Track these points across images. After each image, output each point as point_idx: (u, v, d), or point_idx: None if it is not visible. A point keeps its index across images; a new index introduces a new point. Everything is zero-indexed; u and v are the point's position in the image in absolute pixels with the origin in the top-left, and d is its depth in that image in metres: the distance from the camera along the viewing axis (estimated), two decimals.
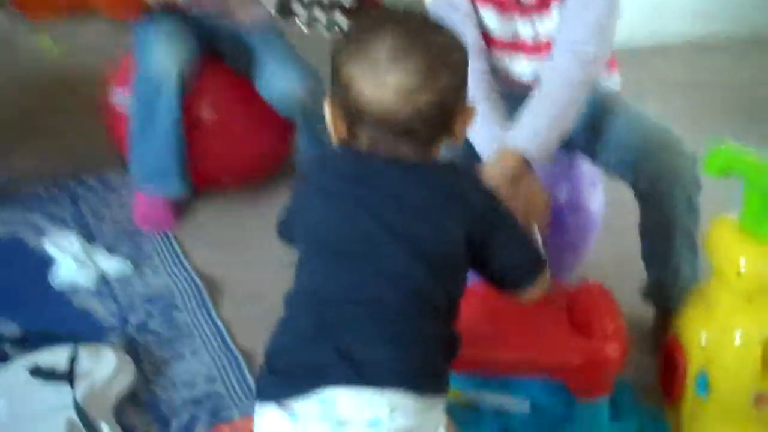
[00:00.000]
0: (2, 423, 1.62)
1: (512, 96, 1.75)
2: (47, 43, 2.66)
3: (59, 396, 1.65)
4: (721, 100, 3.07)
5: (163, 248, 2.26)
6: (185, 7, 2.23)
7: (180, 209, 2.40)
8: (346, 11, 1.88)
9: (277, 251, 2.18)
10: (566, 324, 1.53)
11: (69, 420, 1.60)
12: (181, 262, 2.20)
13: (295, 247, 1.30)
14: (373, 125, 1.16)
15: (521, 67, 1.79)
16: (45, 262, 2.13)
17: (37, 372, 1.69)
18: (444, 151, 1.26)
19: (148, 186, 2.33)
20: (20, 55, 3.04)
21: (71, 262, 2.12)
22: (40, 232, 2.26)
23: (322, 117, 2.53)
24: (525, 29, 1.75)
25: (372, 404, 1.13)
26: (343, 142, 1.22)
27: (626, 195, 1.81)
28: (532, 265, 1.31)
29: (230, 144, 2.37)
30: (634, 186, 1.76)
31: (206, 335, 1.96)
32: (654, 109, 1.92)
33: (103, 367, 1.75)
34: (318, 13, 1.88)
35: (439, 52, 1.16)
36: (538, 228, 1.60)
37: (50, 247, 2.16)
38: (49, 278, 2.10)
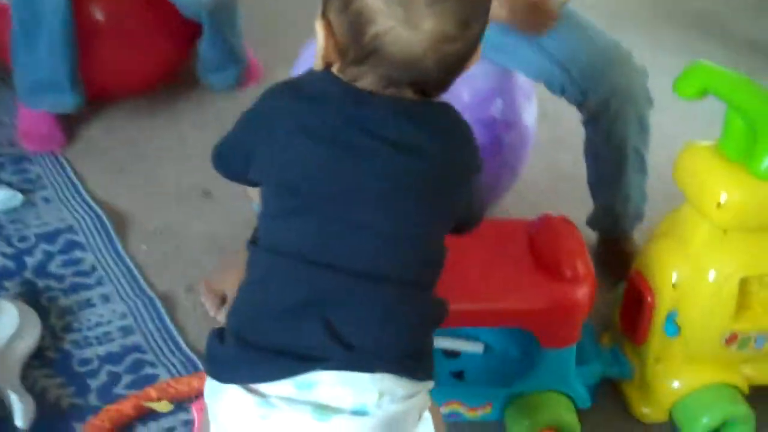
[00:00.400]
0: None
1: None
2: None
3: None
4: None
5: (54, 173, 2.01)
6: None
7: (69, 125, 2.13)
8: None
9: (181, 178, 2.01)
10: (530, 265, 1.41)
11: None
12: (77, 190, 1.96)
13: (248, 184, 1.10)
14: (388, 67, 0.98)
15: None
16: None
17: None
18: None
19: (34, 99, 2.05)
20: None
21: None
22: None
23: (232, 20, 2.31)
24: None
25: (359, 390, 0.98)
26: (330, 70, 1.02)
27: (561, 106, 1.72)
28: (477, 220, 1.18)
29: (125, 47, 2.09)
30: (583, 105, 1.65)
31: (116, 277, 1.75)
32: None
33: (4, 324, 1.53)
34: None
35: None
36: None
37: None
38: None
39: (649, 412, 1.51)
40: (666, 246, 1.44)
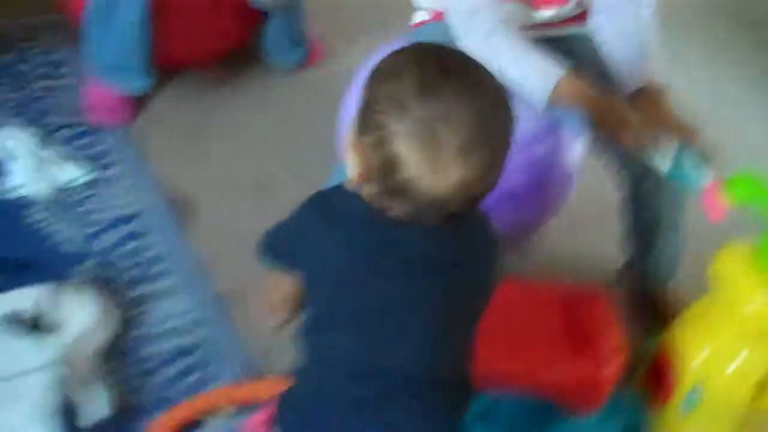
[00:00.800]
0: None
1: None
2: None
3: (38, 351, 1.51)
4: None
5: (122, 149, 2.09)
6: None
7: (139, 101, 2.21)
8: None
9: (241, 166, 2.09)
10: (561, 335, 1.53)
11: (56, 379, 1.48)
12: (144, 172, 2.04)
13: (289, 269, 1.22)
14: (416, 205, 1.06)
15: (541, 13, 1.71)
16: None
17: (10, 321, 1.55)
18: None
19: (106, 80, 2.12)
20: None
21: (22, 165, 1.93)
22: None
23: (297, 4, 2.33)
24: None
25: None
26: (361, 193, 1.11)
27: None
28: None
29: (194, 22, 2.14)
30: (622, 171, 1.72)
31: (183, 270, 1.84)
32: None
33: (86, 314, 1.61)
34: None
35: (501, 141, 1.07)
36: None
37: None
38: None
39: None
40: (694, 329, 1.57)
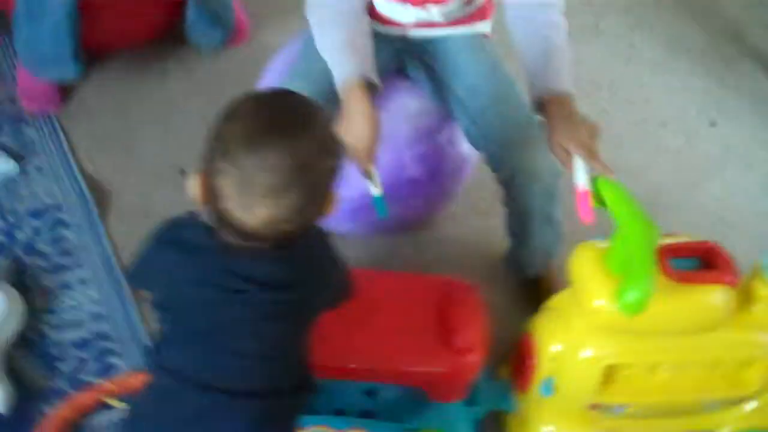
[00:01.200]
0: None
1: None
2: None
3: None
4: None
5: (48, 139, 2.19)
6: None
7: (66, 88, 2.30)
8: None
9: (164, 153, 2.16)
10: (432, 326, 1.63)
11: None
12: (67, 161, 2.13)
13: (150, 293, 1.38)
14: (235, 232, 1.20)
15: (407, 15, 1.79)
16: None
17: None
18: None
19: (37, 69, 2.19)
20: None
21: None
22: None
23: None
24: None
25: None
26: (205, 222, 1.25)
27: None
28: (346, 297, 1.45)
29: (118, 8, 2.19)
30: (494, 172, 1.80)
31: (95, 261, 1.94)
32: None
33: None
34: None
35: (314, 187, 1.19)
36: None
37: None
38: None
39: None
40: (551, 322, 1.67)
